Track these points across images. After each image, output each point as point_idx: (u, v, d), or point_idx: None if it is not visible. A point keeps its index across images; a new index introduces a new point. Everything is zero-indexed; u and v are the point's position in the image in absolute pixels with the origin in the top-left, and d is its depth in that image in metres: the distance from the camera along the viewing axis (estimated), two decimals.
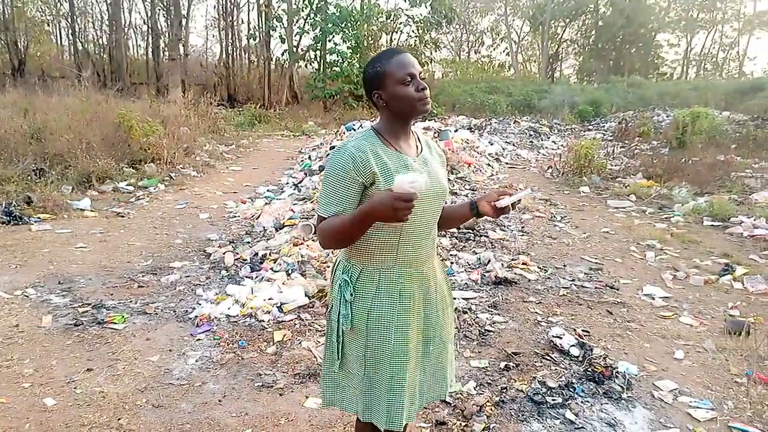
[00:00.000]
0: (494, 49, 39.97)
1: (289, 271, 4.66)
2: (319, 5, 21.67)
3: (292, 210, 6.53)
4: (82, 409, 2.83)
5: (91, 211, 6.98)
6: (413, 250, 1.74)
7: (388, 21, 24.23)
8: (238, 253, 5.27)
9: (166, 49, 24.11)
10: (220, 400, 2.95)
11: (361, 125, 12.94)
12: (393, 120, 1.74)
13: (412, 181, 1.43)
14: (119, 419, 2.75)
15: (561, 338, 3.60)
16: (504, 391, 3.06)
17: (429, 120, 16.58)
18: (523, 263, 5.22)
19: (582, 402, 2.96)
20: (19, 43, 23.67)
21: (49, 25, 27.49)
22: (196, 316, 3.94)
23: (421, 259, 1.77)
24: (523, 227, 6.58)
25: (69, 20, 25.61)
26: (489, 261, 5.11)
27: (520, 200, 1.61)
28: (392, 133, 1.75)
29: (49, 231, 6.07)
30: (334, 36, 21.95)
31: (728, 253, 5.72)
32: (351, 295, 1.74)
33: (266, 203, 7.39)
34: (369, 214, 1.50)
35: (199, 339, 3.65)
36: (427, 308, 1.82)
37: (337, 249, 1.81)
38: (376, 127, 1.76)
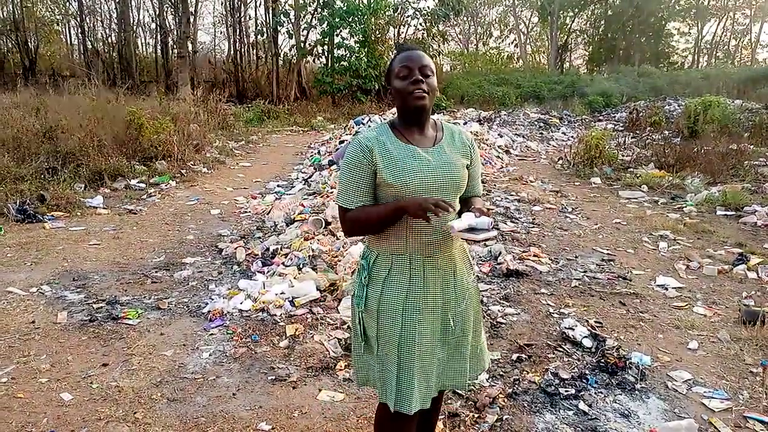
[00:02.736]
0: (502, 40, 39.71)
1: (301, 266, 4.68)
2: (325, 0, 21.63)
3: (302, 205, 6.55)
4: (99, 404, 2.86)
5: (104, 208, 7.05)
6: (421, 237, 1.79)
7: (396, 14, 24.11)
8: (249, 248, 5.30)
9: (174, 46, 24.19)
10: (234, 394, 2.98)
11: (369, 119, 12.93)
12: (400, 113, 1.84)
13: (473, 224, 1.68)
14: (135, 413, 2.78)
15: (573, 329, 3.59)
16: (516, 382, 3.06)
17: (438, 113, 16.56)
18: (534, 255, 5.20)
19: (595, 393, 2.95)
20: (29, 43, 23.89)
21: (58, 24, 27.67)
22: (209, 311, 3.97)
23: (432, 248, 1.80)
24: (533, 219, 6.56)
25: (78, 19, 25.74)
26: (500, 253, 5.10)
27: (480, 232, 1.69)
28: (404, 125, 1.84)
29: (63, 228, 6.13)
30: (341, 30, 21.88)
31: (742, 243, 5.67)
32: (365, 278, 1.84)
33: (276, 198, 7.43)
34: (400, 209, 1.70)
35: (212, 333, 3.68)
36: (446, 296, 1.85)
37: (359, 236, 1.86)
38: (392, 120, 1.88)
